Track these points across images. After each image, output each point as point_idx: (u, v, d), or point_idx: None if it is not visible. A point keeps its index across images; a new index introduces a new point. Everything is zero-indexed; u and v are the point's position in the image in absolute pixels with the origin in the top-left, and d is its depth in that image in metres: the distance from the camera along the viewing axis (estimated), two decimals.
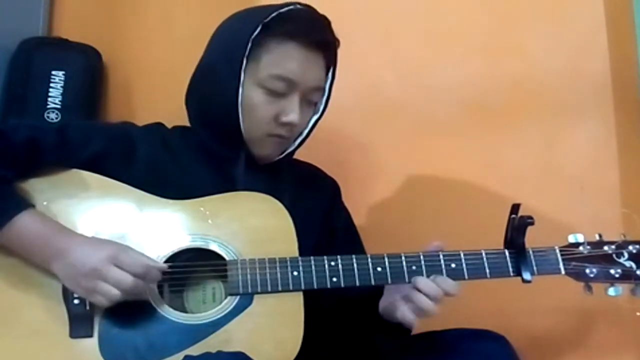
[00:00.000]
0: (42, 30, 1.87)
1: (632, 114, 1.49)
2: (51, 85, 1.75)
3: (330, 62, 1.24)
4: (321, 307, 1.14)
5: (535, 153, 1.55)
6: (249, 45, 1.15)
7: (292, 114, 1.17)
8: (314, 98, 1.22)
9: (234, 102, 1.16)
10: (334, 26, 1.22)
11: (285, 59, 1.16)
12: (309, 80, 1.18)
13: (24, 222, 1.03)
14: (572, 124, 1.53)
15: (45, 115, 1.73)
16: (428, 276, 1.09)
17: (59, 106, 1.74)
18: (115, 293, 1.00)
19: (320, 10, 1.21)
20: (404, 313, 1.09)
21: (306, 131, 1.25)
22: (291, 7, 1.19)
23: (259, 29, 1.15)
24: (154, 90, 1.83)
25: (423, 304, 1.07)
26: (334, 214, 1.34)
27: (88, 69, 1.80)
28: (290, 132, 1.21)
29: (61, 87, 1.75)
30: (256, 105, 1.17)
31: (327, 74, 1.24)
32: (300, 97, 1.18)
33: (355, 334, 1.23)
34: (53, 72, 1.76)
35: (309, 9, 1.21)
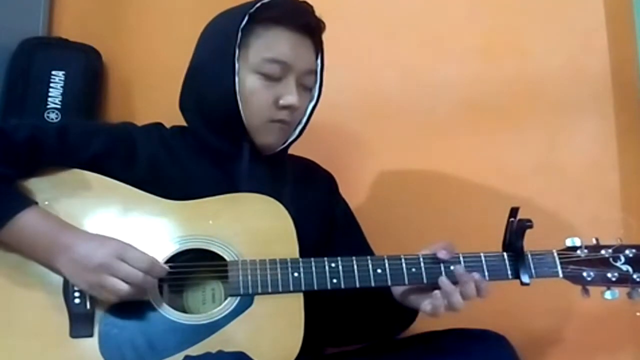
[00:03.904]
0: (42, 30, 1.86)
1: (632, 114, 1.49)
2: (51, 85, 1.75)
3: (319, 46, 1.26)
4: (325, 302, 1.14)
5: (534, 153, 1.55)
6: (239, 34, 1.17)
7: (290, 96, 1.18)
8: (308, 82, 1.24)
9: (232, 92, 1.17)
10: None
11: (275, 43, 1.18)
12: (301, 62, 1.20)
13: (27, 219, 1.03)
14: (572, 124, 1.53)
15: (45, 115, 1.73)
16: (428, 279, 1.10)
17: (59, 106, 1.74)
18: (124, 287, 1.00)
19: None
20: (436, 308, 1.08)
21: (305, 119, 1.26)
22: None
23: (246, 19, 1.17)
24: (154, 90, 1.82)
25: (456, 305, 1.07)
26: (333, 207, 1.35)
27: (88, 69, 1.80)
28: (290, 117, 1.21)
29: (61, 87, 1.75)
30: (254, 92, 1.18)
31: (316, 59, 1.26)
32: (296, 80, 1.20)
33: (365, 324, 1.24)
34: (53, 72, 1.75)
35: None
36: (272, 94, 1.19)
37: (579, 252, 1.14)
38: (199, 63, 1.24)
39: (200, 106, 1.23)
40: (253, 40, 1.19)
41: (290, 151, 1.30)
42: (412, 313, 1.18)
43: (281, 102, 1.19)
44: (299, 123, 1.26)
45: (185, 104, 1.26)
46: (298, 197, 1.18)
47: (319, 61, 1.26)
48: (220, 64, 1.18)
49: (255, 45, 1.18)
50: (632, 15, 1.47)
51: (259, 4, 1.19)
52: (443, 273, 1.10)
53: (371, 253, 1.28)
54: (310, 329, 1.06)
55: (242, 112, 1.18)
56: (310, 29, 1.22)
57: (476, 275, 1.08)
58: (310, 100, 1.26)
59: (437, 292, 1.09)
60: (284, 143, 1.25)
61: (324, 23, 1.25)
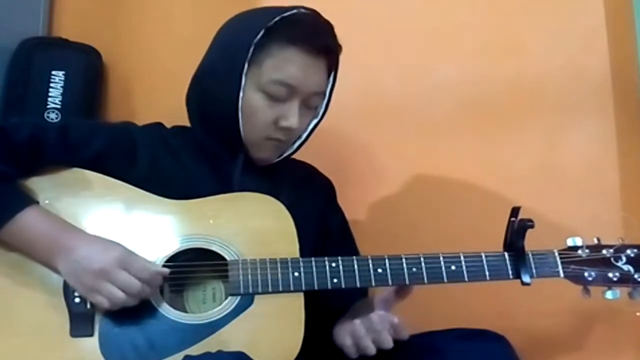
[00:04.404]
0: (42, 30, 1.86)
1: (632, 114, 1.49)
2: (51, 85, 1.74)
3: (332, 66, 1.24)
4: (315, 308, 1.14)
5: (535, 153, 1.55)
6: (251, 49, 1.14)
7: (292, 119, 1.17)
8: (314, 102, 1.22)
9: (234, 105, 1.15)
10: (335, 25, 1.22)
11: (286, 64, 1.15)
12: (309, 85, 1.18)
13: (28, 218, 1.03)
14: (572, 124, 1.53)
15: (45, 115, 1.73)
16: (429, 279, 1.10)
17: (59, 106, 1.74)
18: (120, 296, 1.00)
19: (321, 11, 1.21)
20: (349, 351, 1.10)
21: (305, 135, 1.25)
22: (294, 11, 1.18)
23: (261, 33, 1.14)
24: (154, 90, 1.83)
25: (367, 350, 1.08)
26: (330, 215, 1.34)
27: (88, 69, 1.80)
28: (288, 136, 1.21)
29: (61, 87, 1.75)
30: (256, 110, 1.17)
31: (328, 78, 1.24)
32: (300, 101, 1.18)
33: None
34: (53, 72, 1.75)
35: (313, 13, 1.20)
36: (274, 113, 1.17)
37: (580, 251, 1.15)
38: (209, 65, 1.22)
39: (202, 108, 1.23)
40: (265, 59, 1.15)
41: None
42: None
43: (282, 123, 1.17)
44: (299, 138, 1.25)
45: (190, 102, 1.26)
46: (295, 204, 1.17)
47: (330, 78, 1.24)
48: (228, 75, 1.16)
49: (266, 64, 1.15)
50: (632, 15, 1.47)
51: (278, 18, 1.15)
52: (444, 273, 1.10)
53: None
54: (310, 329, 1.06)
55: (241, 126, 1.17)
56: (327, 50, 1.20)
57: (395, 319, 1.07)
58: (314, 117, 1.25)
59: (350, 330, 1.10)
60: (279, 156, 1.25)
61: (340, 46, 1.22)
